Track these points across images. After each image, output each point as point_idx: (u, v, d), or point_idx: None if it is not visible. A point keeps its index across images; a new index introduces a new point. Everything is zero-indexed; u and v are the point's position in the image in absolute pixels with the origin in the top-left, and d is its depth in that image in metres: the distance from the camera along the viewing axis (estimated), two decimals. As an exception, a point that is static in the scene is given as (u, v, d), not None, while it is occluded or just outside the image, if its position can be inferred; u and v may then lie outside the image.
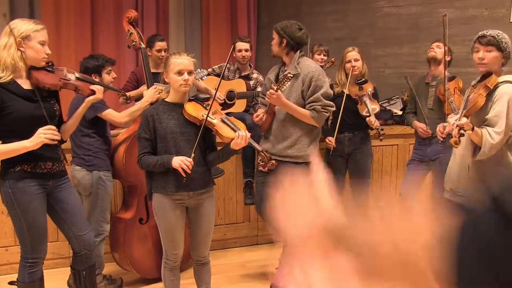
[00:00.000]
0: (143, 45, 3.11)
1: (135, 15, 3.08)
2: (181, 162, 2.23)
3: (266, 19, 6.57)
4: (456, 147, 2.40)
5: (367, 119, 3.43)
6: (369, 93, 3.53)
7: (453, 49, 3.43)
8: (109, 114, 2.79)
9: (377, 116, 3.54)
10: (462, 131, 2.29)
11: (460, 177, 2.53)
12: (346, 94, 3.49)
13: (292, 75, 2.71)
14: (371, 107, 3.46)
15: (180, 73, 2.31)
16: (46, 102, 2.25)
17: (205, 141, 2.46)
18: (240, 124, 2.51)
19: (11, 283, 2.38)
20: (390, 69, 5.49)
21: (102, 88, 2.56)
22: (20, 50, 2.13)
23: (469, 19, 5.18)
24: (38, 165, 2.21)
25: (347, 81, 3.52)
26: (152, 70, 3.94)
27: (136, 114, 2.87)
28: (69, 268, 2.57)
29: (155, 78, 3.86)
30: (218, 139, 2.50)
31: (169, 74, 2.34)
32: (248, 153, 3.70)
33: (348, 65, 3.56)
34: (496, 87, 2.35)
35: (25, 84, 2.19)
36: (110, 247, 3.14)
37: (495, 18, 5.08)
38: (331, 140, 3.63)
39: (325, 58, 4.04)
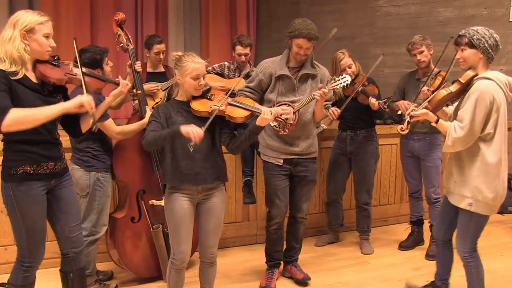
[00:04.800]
0: (131, 46, 3.11)
1: (122, 18, 3.11)
2: (191, 129, 2.16)
3: (265, 18, 6.56)
4: (401, 133, 2.53)
5: (369, 102, 3.40)
6: (363, 82, 3.48)
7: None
8: (108, 125, 2.77)
9: (378, 113, 3.56)
10: (410, 120, 2.49)
11: (448, 174, 2.59)
12: (349, 98, 3.44)
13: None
14: (368, 94, 3.44)
15: (197, 77, 2.35)
16: (52, 97, 2.20)
17: (221, 132, 2.47)
18: (247, 101, 2.56)
19: (1, 285, 2.33)
20: (389, 68, 5.49)
21: (125, 82, 2.59)
22: (24, 43, 2.08)
23: (468, 19, 5.18)
24: (41, 166, 2.16)
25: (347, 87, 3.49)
26: (149, 70, 3.94)
27: (132, 134, 2.88)
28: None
29: (153, 78, 3.86)
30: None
31: (185, 77, 2.36)
32: (248, 153, 3.70)
33: (344, 74, 3.50)
34: (473, 83, 2.41)
35: (32, 78, 2.14)
36: (106, 246, 3.14)
37: (494, 18, 5.08)
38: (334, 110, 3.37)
39: None
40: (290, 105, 2.90)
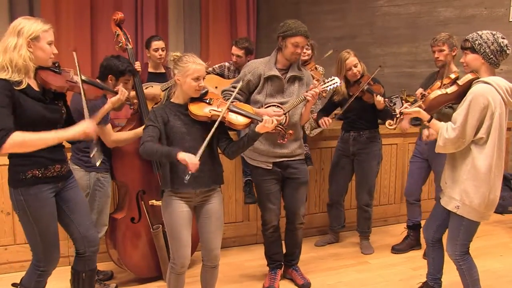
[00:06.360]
0: (129, 46, 3.11)
1: (121, 17, 3.12)
2: (189, 158, 2.15)
3: (265, 18, 6.57)
4: (388, 128, 2.57)
5: (375, 100, 3.37)
6: (369, 81, 3.47)
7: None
8: (107, 130, 2.77)
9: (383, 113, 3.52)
10: (400, 116, 2.53)
11: (443, 175, 2.60)
12: (354, 96, 3.44)
13: None
14: (374, 92, 3.41)
15: (197, 79, 2.34)
16: (54, 104, 2.21)
17: (218, 136, 2.44)
18: (246, 107, 2.55)
19: (14, 285, 2.35)
20: (389, 68, 5.49)
21: (124, 90, 2.63)
22: (29, 51, 2.08)
23: (468, 19, 5.19)
24: (48, 169, 2.18)
25: (351, 86, 3.49)
26: (151, 70, 3.94)
27: (126, 143, 2.90)
28: (69, 267, 2.55)
29: (155, 78, 3.87)
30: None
31: (186, 78, 2.33)
32: (248, 152, 3.70)
33: (350, 73, 3.48)
34: (472, 86, 2.40)
35: (34, 85, 2.14)
36: (106, 246, 3.15)
37: (494, 18, 5.08)
38: (326, 120, 3.42)
39: (310, 53, 3.84)
40: (279, 107, 2.88)
